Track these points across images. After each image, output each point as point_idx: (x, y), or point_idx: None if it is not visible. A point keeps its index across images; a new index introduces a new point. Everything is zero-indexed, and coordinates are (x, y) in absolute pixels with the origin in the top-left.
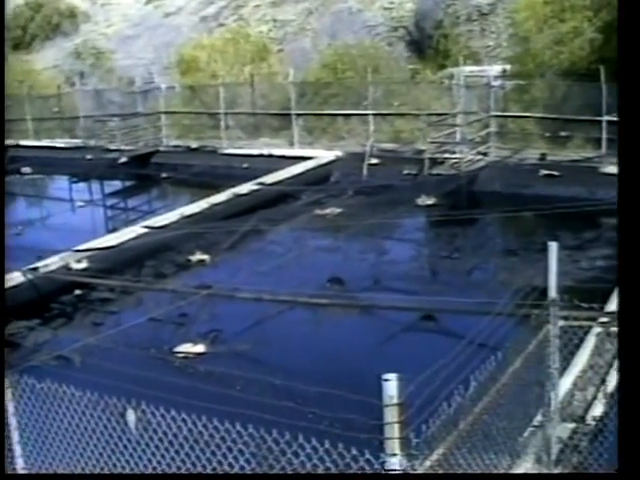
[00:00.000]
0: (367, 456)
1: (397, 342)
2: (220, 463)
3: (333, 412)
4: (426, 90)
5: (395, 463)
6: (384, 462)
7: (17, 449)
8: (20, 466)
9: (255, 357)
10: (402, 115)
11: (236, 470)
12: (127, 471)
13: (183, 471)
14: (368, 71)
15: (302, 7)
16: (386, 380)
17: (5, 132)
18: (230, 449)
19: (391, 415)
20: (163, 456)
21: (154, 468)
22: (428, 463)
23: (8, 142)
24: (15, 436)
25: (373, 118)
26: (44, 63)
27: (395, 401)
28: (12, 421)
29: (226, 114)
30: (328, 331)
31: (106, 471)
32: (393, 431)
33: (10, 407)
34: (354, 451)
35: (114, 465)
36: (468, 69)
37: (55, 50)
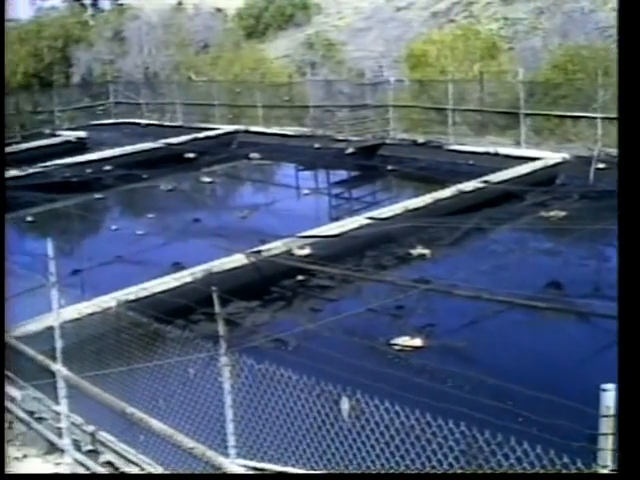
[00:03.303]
0: (578, 464)
1: (613, 352)
2: (429, 459)
3: (545, 417)
4: None
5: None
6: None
7: (230, 427)
8: (231, 444)
9: (469, 355)
10: None
11: (445, 467)
12: (337, 459)
13: (392, 464)
14: (598, 73)
15: (533, 6)
16: (604, 390)
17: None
18: (440, 445)
19: (607, 426)
20: (372, 447)
21: (362, 458)
22: None
23: (237, 127)
24: (229, 414)
25: (602, 122)
26: (276, 52)
27: (612, 412)
28: (227, 399)
29: (454, 110)
30: (544, 335)
31: (315, 456)
32: (607, 442)
33: (226, 385)
34: (565, 459)
35: (323, 452)
36: None
37: (287, 40)
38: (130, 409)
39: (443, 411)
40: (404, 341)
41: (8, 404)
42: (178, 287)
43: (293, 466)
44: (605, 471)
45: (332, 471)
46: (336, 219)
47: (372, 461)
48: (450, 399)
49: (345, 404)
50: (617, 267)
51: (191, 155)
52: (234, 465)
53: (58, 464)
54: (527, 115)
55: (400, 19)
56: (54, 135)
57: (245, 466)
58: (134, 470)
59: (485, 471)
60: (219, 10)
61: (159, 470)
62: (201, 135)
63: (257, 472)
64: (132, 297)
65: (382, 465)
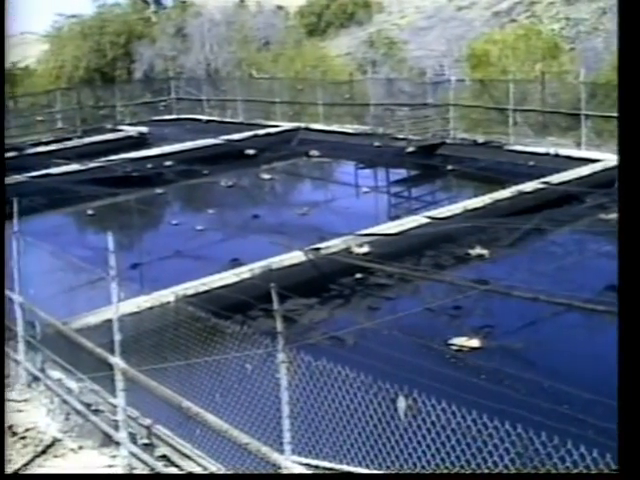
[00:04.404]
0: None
1: None
2: (484, 460)
3: (600, 420)
4: None
5: None
6: None
7: (286, 423)
8: (287, 440)
9: (526, 357)
10: None
11: (500, 469)
12: (392, 458)
13: (448, 464)
14: None
15: (596, 6)
16: None
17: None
18: (496, 447)
19: None
20: (428, 446)
21: (418, 458)
22: None
23: (298, 125)
24: (286, 411)
25: None
26: (337, 50)
27: None
28: (284, 396)
29: (514, 110)
30: (602, 338)
31: (371, 455)
32: None
33: (284, 382)
34: None
35: (379, 450)
36: None
37: (349, 38)
38: (186, 403)
39: (499, 412)
40: (462, 341)
41: (65, 396)
42: (237, 283)
43: (348, 464)
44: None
45: (387, 471)
46: (395, 218)
47: (427, 461)
48: (506, 400)
49: (402, 403)
50: (617, 267)
51: (251, 152)
52: (289, 462)
53: (114, 457)
54: (588, 116)
55: (462, 18)
56: (116, 130)
57: (300, 463)
58: (191, 465)
59: (484, 471)
60: (281, 8)
61: (221, 468)
62: (262, 132)
63: (310, 470)
64: (191, 292)
65: (437, 465)
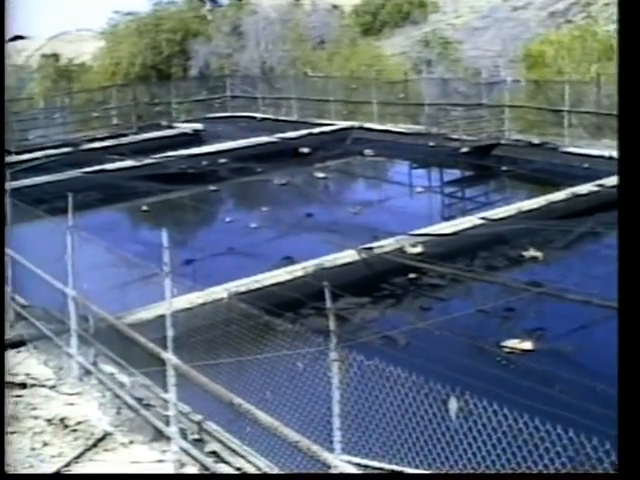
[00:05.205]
0: None
1: None
2: (535, 463)
3: None
4: None
5: None
6: None
7: (336, 422)
8: (337, 439)
9: (578, 360)
10: None
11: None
12: (442, 459)
13: (498, 466)
14: None
15: None
16: None
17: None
18: (547, 450)
19: None
20: (479, 448)
21: (468, 459)
22: None
23: (352, 124)
24: (336, 409)
25: None
26: (392, 49)
27: None
28: (335, 394)
29: (570, 112)
30: None
31: (421, 455)
32: None
33: (335, 381)
34: None
35: (429, 451)
36: None
37: (404, 37)
38: (237, 400)
39: (551, 415)
40: (514, 344)
41: (117, 390)
42: (289, 281)
43: (397, 464)
44: None
45: (436, 471)
46: (449, 218)
47: (478, 462)
48: (558, 404)
49: (453, 404)
50: (617, 267)
51: (305, 150)
52: (338, 461)
53: (164, 452)
54: None
55: (517, 19)
56: (171, 127)
57: (350, 462)
58: (241, 462)
59: (485, 471)
60: (336, 7)
61: (271, 466)
62: (316, 130)
63: (360, 469)
64: (243, 289)
65: (487, 467)
